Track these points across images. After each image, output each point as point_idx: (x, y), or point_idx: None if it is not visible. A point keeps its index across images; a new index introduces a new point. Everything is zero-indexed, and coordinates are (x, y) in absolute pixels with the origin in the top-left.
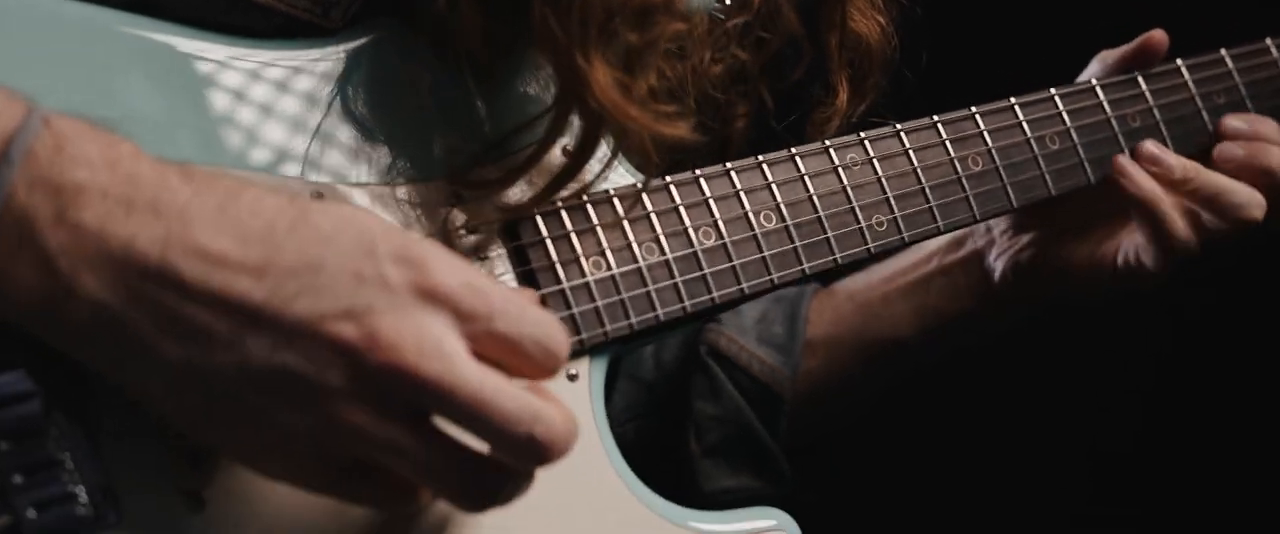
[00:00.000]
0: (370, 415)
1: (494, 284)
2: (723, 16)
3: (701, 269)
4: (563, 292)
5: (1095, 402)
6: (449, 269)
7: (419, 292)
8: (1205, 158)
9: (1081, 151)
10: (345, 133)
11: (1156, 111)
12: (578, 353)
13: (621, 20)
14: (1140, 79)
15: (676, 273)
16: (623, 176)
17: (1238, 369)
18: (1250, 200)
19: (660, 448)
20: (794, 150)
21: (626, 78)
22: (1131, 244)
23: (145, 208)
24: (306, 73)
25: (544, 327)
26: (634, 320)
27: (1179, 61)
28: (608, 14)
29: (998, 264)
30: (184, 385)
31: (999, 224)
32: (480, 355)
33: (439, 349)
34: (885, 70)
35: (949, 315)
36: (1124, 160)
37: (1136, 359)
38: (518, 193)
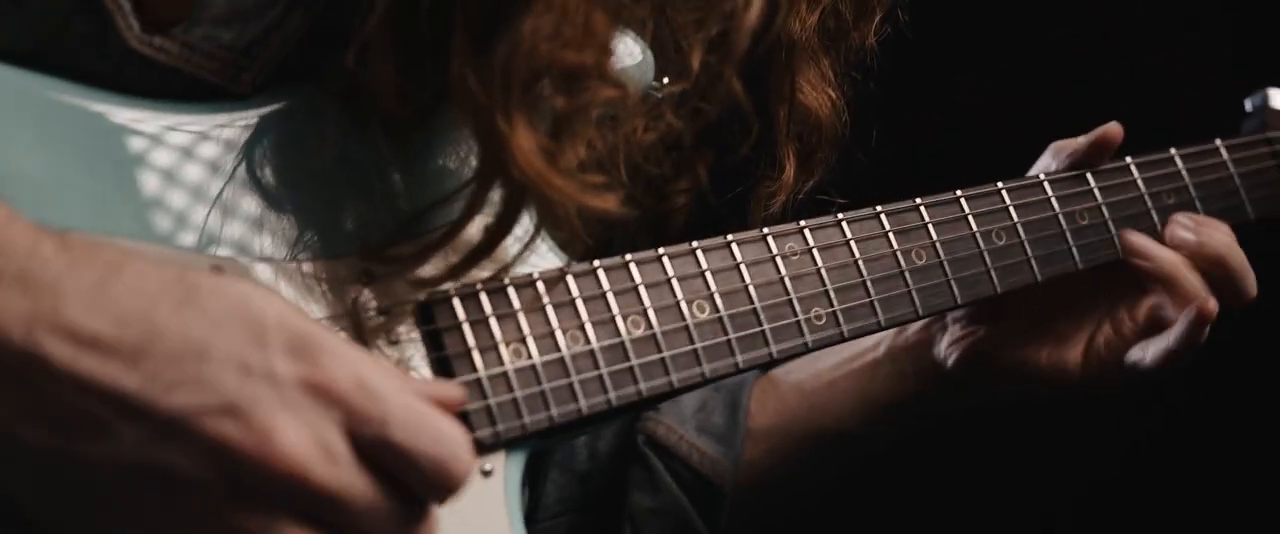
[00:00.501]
0: (251, 517)
1: (396, 387)
2: (658, 91)
3: (629, 360)
4: (479, 380)
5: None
6: (344, 365)
7: (308, 387)
8: None
9: (1028, 248)
10: (250, 203)
11: (1105, 209)
12: (492, 446)
13: (549, 82)
14: (1089, 176)
15: (602, 363)
16: (549, 259)
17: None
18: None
19: None
20: (730, 237)
21: (552, 145)
22: (1105, 336)
23: (12, 280)
24: (211, 139)
25: (444, 444)
26: (555, 413)
27: (1129, 159)
28: (533, 75)
29: (951, 353)
30: (45, 476)
31: (955, 310)
32: (369, 461)
33: (327, 453)
34: (834, 146)
35: (896, 404)
36: (1134, 236)
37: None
38: (434, 271)
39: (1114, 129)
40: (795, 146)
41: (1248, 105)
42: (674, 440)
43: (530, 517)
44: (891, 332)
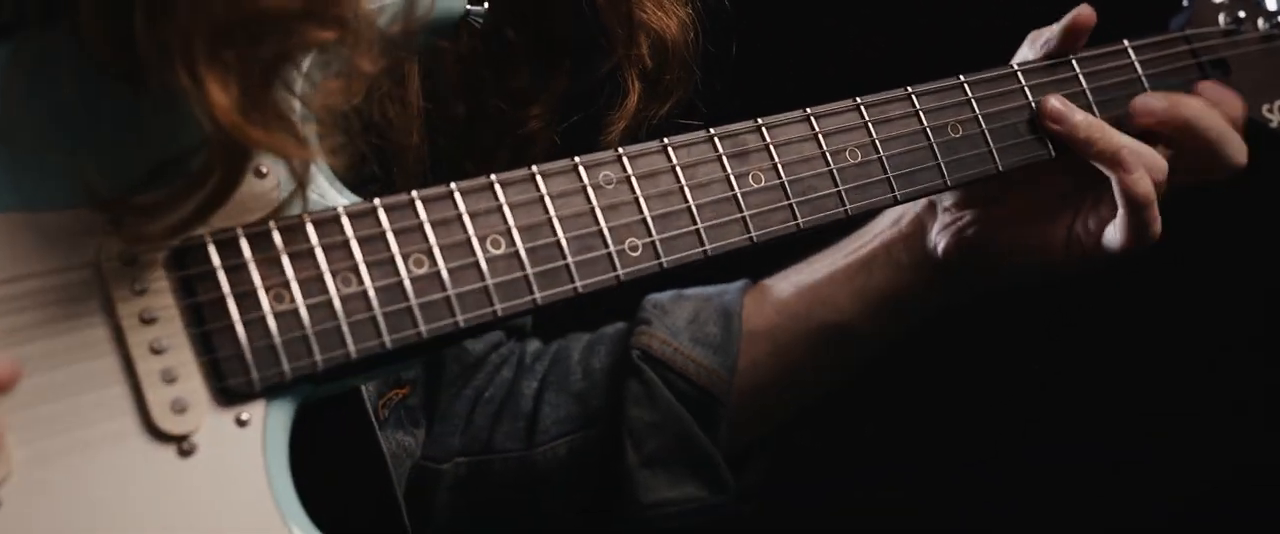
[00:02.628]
0: None
1: None
2: (479, 15)
3: (407, 301)
4: (231, 327)
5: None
6: None
7: None
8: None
9: (885, 166)
10: None
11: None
12: (247, 395)
13: (238, 33)
14: (965, 81)
15: (376, 305)
16: (338, 197)
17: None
18: (1224, 133)
19: (596, 461)
20: (536, 169)
21: (251, 98)
22: (1085, 219)
23: None
24: None
25: None
26: (319, 358)
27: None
28: (216, 27)
29: (940, 240)
30: None
31: (944, 197)
32: None
33: None
34: (685, 68)
35: (893, 294)
36: (1051, 100)
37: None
38: (177, 219)
39: (1084, 12)
40: (638, 70)
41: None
42: (669, 353)
43: (527, 439)
44: (887, 222)
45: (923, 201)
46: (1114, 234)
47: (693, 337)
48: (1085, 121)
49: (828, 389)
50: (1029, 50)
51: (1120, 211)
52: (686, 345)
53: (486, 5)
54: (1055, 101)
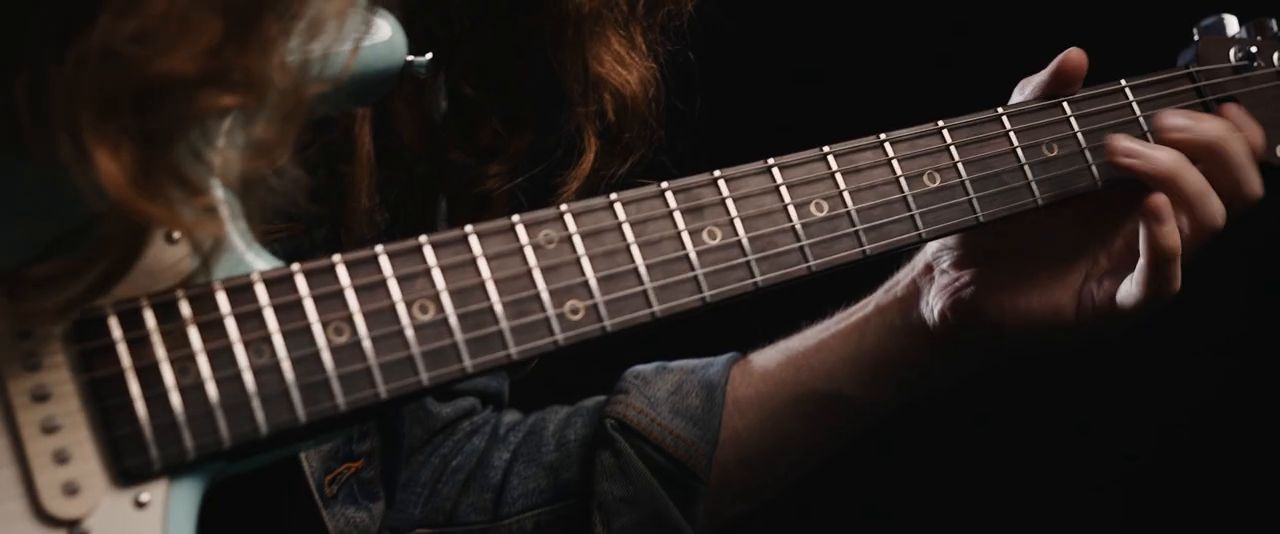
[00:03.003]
0: None
1: None
2: (422, 69)
3: (324, 372)
4: (130, 404)
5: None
6: None
7: None
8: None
9: (855, 217)
10: None
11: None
12: (147, 475)
13: (125, 102)
14: (943, 131)
15: (290, 377)
16: (257, 261)
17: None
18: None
19: None
20: (471, 229)
21: (147, 167)
22: (1097, 276)
23: None
24: None
25: None
26: (226, 436)
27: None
28: (100, 96)
29: (937, 303)
30: None
31: (941, 259)
32: None
33: None
34: (646, 125)
35: (888, 362)
36: (1121, 139)
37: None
38: (74, 293)
39: (1074, 55)
40: (596, 126)
41: (1195, 32)
42: (646, 423)
43: (493, 512)
44: (882, 287)
45: (920, 264)
46: (1131, 290)
47: (673, 408)
48: (1171, 157)
49: (822, 460)
50: (1019, 98)
51: (1141, 264)
52: (665, 416)
53: (430, 57)
54: (1125, 139)
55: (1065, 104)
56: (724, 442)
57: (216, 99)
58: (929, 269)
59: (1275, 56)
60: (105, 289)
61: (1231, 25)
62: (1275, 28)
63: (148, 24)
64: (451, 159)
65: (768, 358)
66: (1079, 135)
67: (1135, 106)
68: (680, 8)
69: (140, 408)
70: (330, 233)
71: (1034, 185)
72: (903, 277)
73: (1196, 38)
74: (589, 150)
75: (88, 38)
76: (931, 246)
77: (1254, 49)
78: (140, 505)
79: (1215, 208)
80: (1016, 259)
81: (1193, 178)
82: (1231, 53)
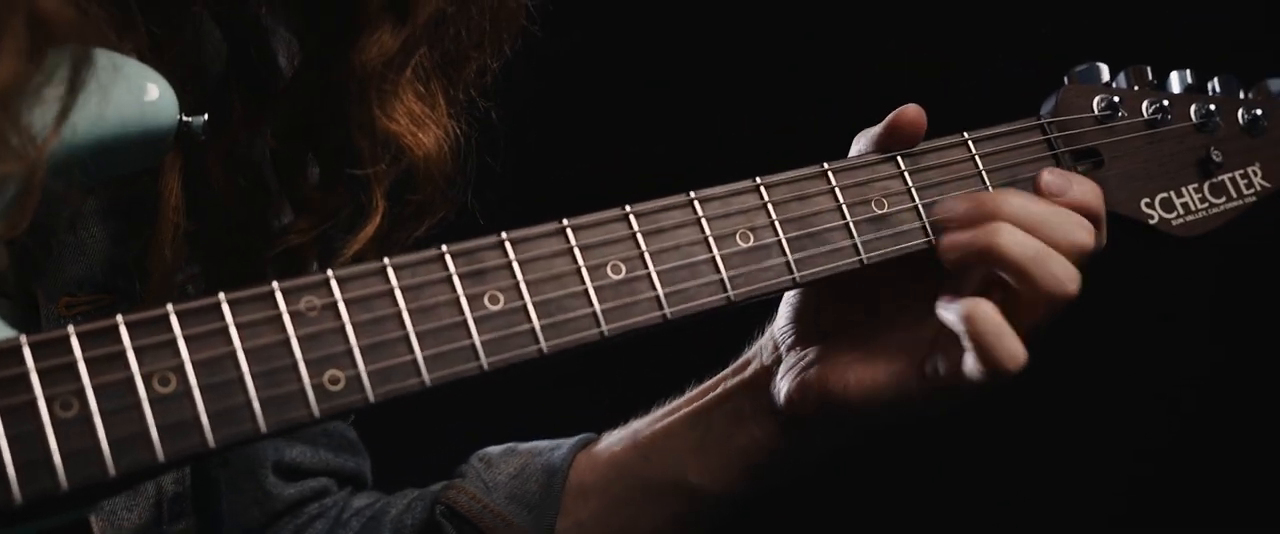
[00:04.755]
0: None
1: None
2: (198, 128)
3: (49, 453)
4: None
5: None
6: None
7: None
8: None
9: (656, 281)
10: None
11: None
12: None
13: None
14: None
15: (7, 460)
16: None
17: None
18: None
19: None
20: (225, 296)
21: None
22: (942, 347)
23: None
24: None
25: None
26: None
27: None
28: None
29: (783, 385)
30: None
31: (786, 337)
32: None
33: None
34: (440, 186)
35: (738, 451)
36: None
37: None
38: None
39: (909, 111)
40: (385, 186)
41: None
42: (477, 510)
43: None
44: (730, 369)
45: (769, 345)
46: (971, 363)
47: (510, 493)
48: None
49: None
50: (855, 152)
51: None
52: (500, 503)
53: (206, 117)
54: (954, 203)
55: (899, 159)
56: (565, 529)
57: None
58: (776, 348)
59: (1145, 106)
60: None
61: (1104, 72)
62: (1151, 76)
63: None
64: (264, 214)
65: (615, 439)
66: (912, 191)
67: (977, 160)
68: (488, 66)
69: None
70: (141, 285)
71: (860, 244)
72: (753, 357)
73: (1066, 83)
74: (376, 212)
75: None
76: (779, 324)
77: (1118, 98)
78: None
79: (1056, 272)
80: (860, 333)
81: (1016, 244)
82: (1095, 102)
